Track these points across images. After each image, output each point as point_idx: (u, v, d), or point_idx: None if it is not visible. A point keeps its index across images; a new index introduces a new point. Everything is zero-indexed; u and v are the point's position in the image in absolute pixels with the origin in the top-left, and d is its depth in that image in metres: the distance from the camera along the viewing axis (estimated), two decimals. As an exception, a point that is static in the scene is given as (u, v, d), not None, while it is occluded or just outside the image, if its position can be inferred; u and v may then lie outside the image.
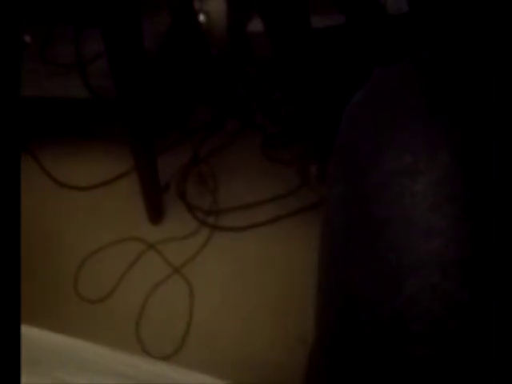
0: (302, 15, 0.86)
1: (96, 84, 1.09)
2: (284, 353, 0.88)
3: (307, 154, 1.14)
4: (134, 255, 1.06)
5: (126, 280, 1.03)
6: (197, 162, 1.18)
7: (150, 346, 0.95)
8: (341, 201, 0.34)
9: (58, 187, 1.16)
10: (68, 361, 0.42)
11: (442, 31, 0.83)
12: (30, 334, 0.44)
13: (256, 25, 1.06)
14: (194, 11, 1.07)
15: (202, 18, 1.07)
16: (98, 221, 1.12)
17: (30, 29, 1.18)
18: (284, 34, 0.86)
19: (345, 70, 0.95)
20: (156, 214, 1.10)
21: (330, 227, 0.35)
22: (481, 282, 0.27)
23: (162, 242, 1.07)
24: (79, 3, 1.07)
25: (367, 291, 0.29)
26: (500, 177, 0.28)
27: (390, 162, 0.31)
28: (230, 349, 0.93)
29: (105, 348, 0.45)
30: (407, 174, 0.30)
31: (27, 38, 1.17)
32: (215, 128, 1.22)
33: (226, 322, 0.97)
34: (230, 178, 1.16)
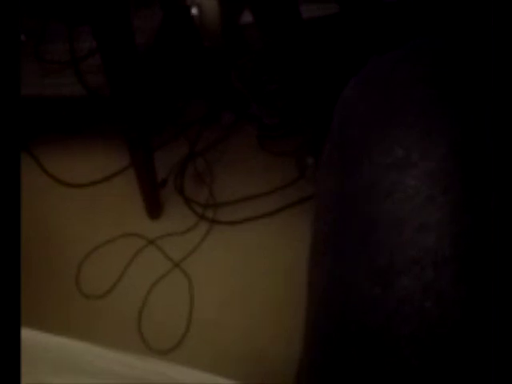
0: (291, 5, 0.85)
1: (91, 81, 1.08)
2: (286, 347, 0.88)
3: (304, 145, 1.13)
4: (134, 251, 1.06)
5: (126, 276, 1.04)
6: (193, 156, 1.17)
7: (150, 341, 0.95)
8: (331, 197, 0.33)
9: (56, 184, 1.16)
10: (64, 364, 0.41)
11: (437, 18, 0.82)
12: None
13: (249, 16, 1.05)
14: (186, 4, 1.06)
15: (194, 10, 1.06)
16: (97, 217, 1.12)
17: (24, 28, 1.17)
18: (274, 25, 0.85)
19: (340, 59, 0.94)
20: (154, 209, 1.10)
21: (320, 224, 0.34)
22: (476, 280, 0.26)
23: (161, 237, 1.07)
24: (70, 1, 1.06)
25: (357, 292, 0.28)
26: (498, 169, 0.27)
27: (382, 156, 0.30)
28: (231, 343, 0.93)
29: (101, 347, 0.44)
30: (399, 168, 0.29)
31: (22, 37, 1.16)
32: (211, 121, 1.21)
33: (227, 315, 0.97)
34: (227, 171, 1.15)
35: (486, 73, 0.29)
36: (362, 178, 0.31)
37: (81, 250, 1.06)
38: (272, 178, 1.12)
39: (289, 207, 1.08)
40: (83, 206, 1.14)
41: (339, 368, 0.28)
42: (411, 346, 0.25)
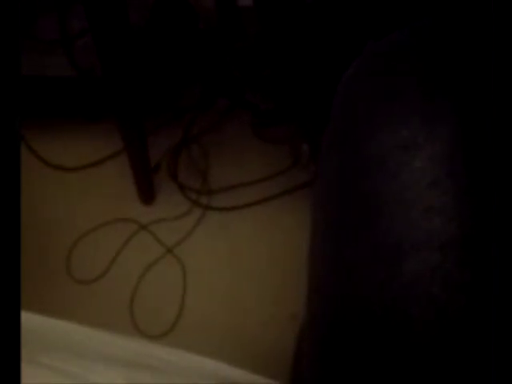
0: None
1: (82, 61, 1.06)
2: (278, 333, 0.88)
3: (298, 132, 1.12)
4: (126, 236, 1.05)
5: (119, 261, 1.03)
6: (187, 141, 1.16)
7: (143, 327, 0.95)
8: (334, 179, 0.33)
9: (46, 168, 1.14)
10: (54, 344, 0.41)
11: (437, 1, 0.81)
12: None
13: (246, -1, 1.03)
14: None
15: (190, -8, 1.03)
16: (89, 202, 1.11)
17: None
18: (273, 7, 0.84)
19: (336, 44, 0.93)
20: (147, 194, 1.09)
21: (322, 206, 0.34)
22: (483, 262, 0.26)
23: (154, 222, 1.06)
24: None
25: (363, 274, 0.28)
26: (502, 152, 0.27)
27: (387, 137, 0.30)
28: (224, 330, 0.93)
29: (94, 329, 0.44)
30: (405, 149, 0.29)
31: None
32: (206, 107, 1.20)
33: (219, 301, 0.97)
34: (221, 158, 1.14)
35: (489, 58, 0.28)
36: (368, 159, 0.30)
37: (72, 235, 1.05)
38: (266, 165, 1.11)
39: (283, 194, 1.07)
40: (74, 190, 1.13)
41: (345, 353, 0.28)
42: (421, 327, 0.25)
